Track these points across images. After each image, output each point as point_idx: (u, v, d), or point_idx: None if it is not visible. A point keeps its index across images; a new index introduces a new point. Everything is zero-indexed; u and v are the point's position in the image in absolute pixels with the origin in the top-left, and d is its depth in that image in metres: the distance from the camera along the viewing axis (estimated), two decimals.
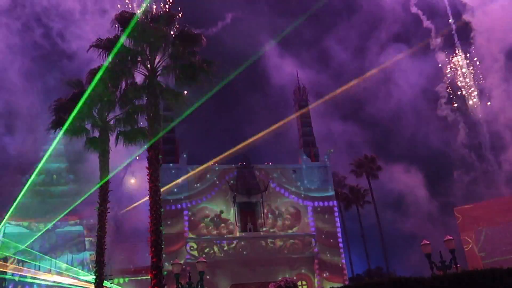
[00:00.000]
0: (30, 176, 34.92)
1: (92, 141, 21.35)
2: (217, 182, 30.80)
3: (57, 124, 20.76)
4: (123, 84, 19.92)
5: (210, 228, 29.81)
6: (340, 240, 31.38)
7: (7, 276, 31.19)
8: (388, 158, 51.94)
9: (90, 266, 31.17)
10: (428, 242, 18.95)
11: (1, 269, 30.70)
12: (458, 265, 17.36)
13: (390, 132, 64.52)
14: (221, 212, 30.21)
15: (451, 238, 18.70)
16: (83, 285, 30.06)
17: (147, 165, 18.04)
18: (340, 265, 30.55)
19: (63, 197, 34.14)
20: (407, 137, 62.80)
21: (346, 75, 66.97)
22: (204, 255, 27.52)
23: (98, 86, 19.59)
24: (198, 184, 30.53)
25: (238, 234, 29.69)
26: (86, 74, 19.57)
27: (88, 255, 32.40)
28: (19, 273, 31.37)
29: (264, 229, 30.19)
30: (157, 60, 18.98)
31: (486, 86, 56.01)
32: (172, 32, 19.31)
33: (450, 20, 57.36)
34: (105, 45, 18.70)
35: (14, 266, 31.59)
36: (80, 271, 31.19)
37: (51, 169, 35.32)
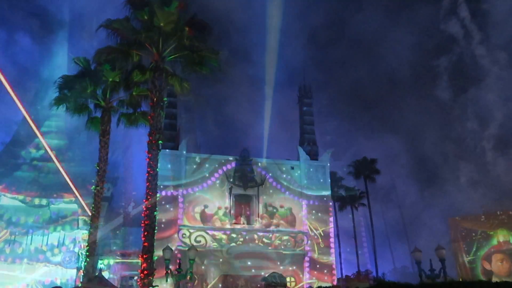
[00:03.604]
0: (29, 150, 35.03)
1: (94, 121, 21.43)
2: (215, 172, 30.82)
3: (60, 100, 20.81)
4: (130, 66, 19.95)
5: (203, 217, 29.82)
6: (332, 240, 31.48)
7: None
8: (383, 146, 49.23)
9: (81, 245, 31.27)
10: (419, 249, 19.03)
11: None
12: (448, 276, 17.44)
13: (384, 113, 59.31)
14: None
15: (442, 247, 18.78)
16: None
17: (146, 150, 18.09)
18: (331, 265, 30.67)
19: (60, 174, 34.22)
20: (402, 118, 55.96)
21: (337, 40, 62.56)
22: (195, 244, 27.62)
23: (104, 66, 19.64)
24: (196, 173, 30.56)
25: (231, 226, 29.77)
26: (93, 54, 19.56)
27: (81, 234, 32.49)
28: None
29: (257, 223, 30.25)
30: (165, 45, 18.96)
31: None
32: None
33: None
34: (115, 26, 18.68)
35: (6, 238, 31.71)
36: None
37: (51, 146, 35.35)
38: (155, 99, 18.47)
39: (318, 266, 30.31)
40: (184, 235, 28.64)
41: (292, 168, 32.26)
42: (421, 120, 53.98)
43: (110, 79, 20.15)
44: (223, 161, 31.23)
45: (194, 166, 30.70)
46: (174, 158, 30.35)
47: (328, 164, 32.92)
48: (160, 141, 18.47)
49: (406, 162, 53.30)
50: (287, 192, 31.45)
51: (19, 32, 42.03)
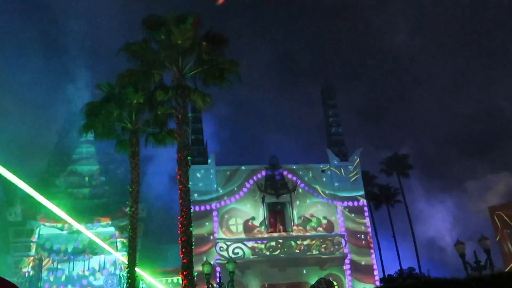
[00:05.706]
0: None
1: (123, 143, 21.71)
2: (246, 182, 30.82)
3: (88, 127, 21.18)
4: (152, 86, 20.23)
5: (239, 228, 29.77)
6: (370, 240, 31.00)
7: (43, 276, 31.94)
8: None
9: (122, 267, 31.61)
10: (461, 242, 18.53)
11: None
12: (495, 266, 16.90)
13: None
14: (253, 218, 30.05)
15: (486, 237, 18.23)
16: None
17: (176, 167, 18.22)
18: (371, 265, 30.17)
19: (94, 199, 34.79)
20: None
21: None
22: (234, 256, 27.59)
23: (128, 89, 19.94)
24: (227, 185, 30.62)
25: (267, 235, 29.63)
26: (116, 78, 19.89)
27: (120, 256, 32.83)
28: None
29: (294, 232, 29.98)
30: (184, 61, 19.17)
31: None
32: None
33: None
34: (134, 49, 18.99)
35: (49, 266, 32.32)
36: None
37: (83, 172, 36.00)
38: (179, 116, 18.65)
39: (358, 267, 29.85)
40: (221, 248, 28.63)
41: (323, 171, 31.96)
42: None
43: (135, 101, 20.39)
44: (252, 170, 31.21)
45: (225, 179, 30.78)
46: (204, 173, 30.52)
47: (359, 164, 32.52)
48: (189, 157, 18.61)
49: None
50: (320, 196, 31.16)
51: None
